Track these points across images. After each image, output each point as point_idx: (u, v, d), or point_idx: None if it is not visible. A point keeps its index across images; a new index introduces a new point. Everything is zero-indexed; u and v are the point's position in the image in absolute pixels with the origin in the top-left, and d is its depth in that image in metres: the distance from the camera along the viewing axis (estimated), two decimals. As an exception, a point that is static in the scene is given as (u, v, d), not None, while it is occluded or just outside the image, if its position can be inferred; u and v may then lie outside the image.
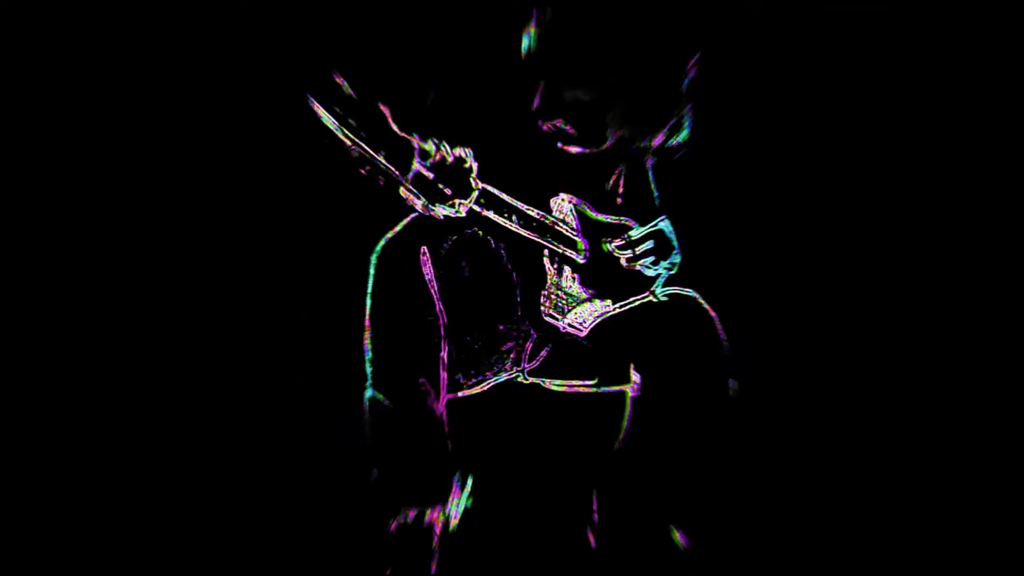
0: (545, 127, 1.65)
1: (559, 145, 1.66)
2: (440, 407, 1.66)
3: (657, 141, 1.67)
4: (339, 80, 1.58)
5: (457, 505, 1.65)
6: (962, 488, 1.67)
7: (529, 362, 1.66)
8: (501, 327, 1.66)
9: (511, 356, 1.67)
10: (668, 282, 1.67)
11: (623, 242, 1.65)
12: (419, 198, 1.60)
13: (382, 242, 1.65)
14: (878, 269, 1.71)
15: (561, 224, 1.65)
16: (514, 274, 1.66)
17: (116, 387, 1.67)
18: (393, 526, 1.65)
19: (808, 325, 1.70)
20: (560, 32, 1.65)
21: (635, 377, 1.65)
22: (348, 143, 1.55)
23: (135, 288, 1.67)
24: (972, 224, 1.71)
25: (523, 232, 1.63)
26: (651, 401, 1.65)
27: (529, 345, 1.66)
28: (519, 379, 1.66)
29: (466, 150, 1.57)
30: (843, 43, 1.68)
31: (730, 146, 1.70)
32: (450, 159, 1.56)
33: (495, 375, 1.67)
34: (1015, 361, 1.69)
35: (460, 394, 1.67)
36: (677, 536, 1.63)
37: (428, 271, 1.65)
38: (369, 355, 1.64)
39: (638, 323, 1.66)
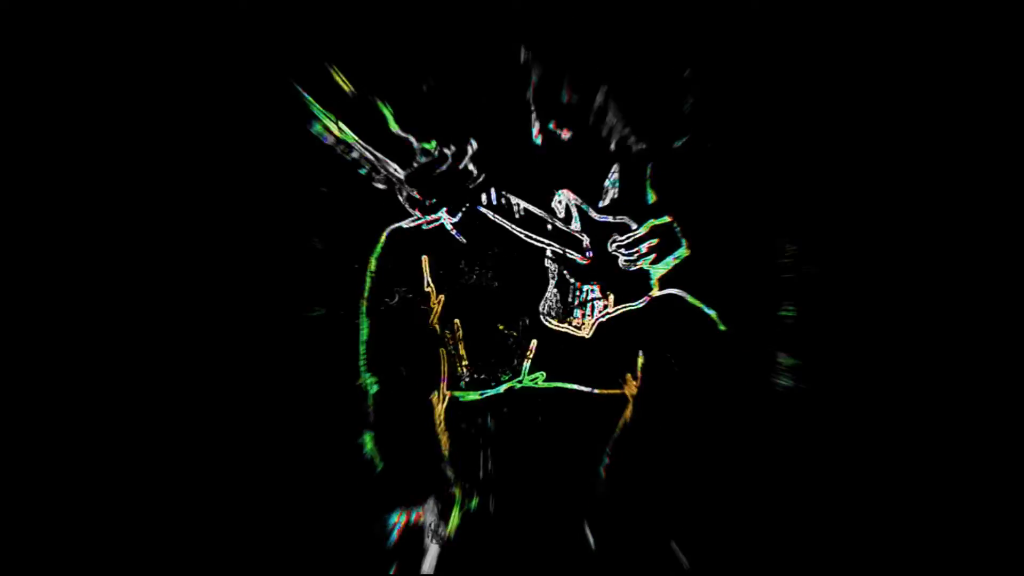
0: (545, 127, 1.65)
1: (559, 145, 1.66)
2: (440, 407, 1.66)
3: (655, 142, 1.67)
4: (338, 79, 1.59)
5: (457, 507, 1.65)
6: (962, 488, 1.66)
7: (529, 362, 1.66)
8: (502, 327, 1.66)
9: (512, 356, 1.66)
10: (667, 281, 1.67)
11: (623, 242, 1.65)
12: (418, 200, 1.60)
13: (381, 242, 1.66)
14: (878, 269, 1.71)
15: (563, 224, 1.65)
16: (515, 275, 1.66)
17: (112, 387, 1.67)
18: (394, 527, 1.65)
19: (808, 325, 1.70)
20: (559, 33, 1.65)
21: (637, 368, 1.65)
22: (347, 143, 1.56)
23: (132, 286, 1.68)
24: (972, 224, 1.70)
25: (524, 232, 1.63)
26: (651, 402, 1.65)
27: (530, 345, 1.66)
28: (519, 380, 1.66)
29: (468, 150, 1.58)
30: (842, 42, 1.68)
31: (729, 146, 1.69)
32: (450, 160, 1.57)
33: (496, 375, 1.67)
34: (1015, 361, 1.69)
35: (460, 394, 1.67)
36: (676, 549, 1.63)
37: (428, 269, 1.65)
38: (368, 355, 1.65)
39: (638, 323, 1.66)
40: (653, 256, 1.65)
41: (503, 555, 1.63)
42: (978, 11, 1.66)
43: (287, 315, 1.67)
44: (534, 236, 1.64)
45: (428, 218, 1.65)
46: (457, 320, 1.66)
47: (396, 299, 1.66)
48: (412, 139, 1.62)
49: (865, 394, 1.69)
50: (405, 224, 1.67)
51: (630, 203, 1.67)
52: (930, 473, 1.67)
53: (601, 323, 1.66)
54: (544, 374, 1.66)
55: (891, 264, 1.70)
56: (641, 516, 1.65)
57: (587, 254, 1.65)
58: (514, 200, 1.64)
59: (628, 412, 1.65)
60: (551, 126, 1.65)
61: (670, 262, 1.66)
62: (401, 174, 1.62)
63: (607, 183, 1.67)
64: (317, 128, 1.56)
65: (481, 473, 1.66)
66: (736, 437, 1.65)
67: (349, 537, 1.65)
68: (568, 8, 1.66)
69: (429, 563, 1.64)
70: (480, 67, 1.66)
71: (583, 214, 1.66)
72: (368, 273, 1.66)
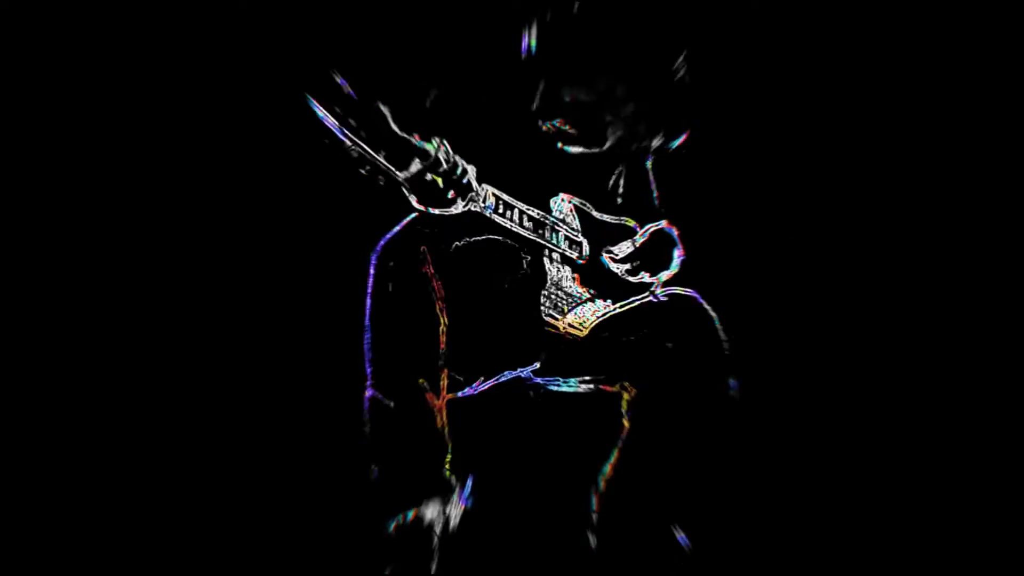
0: (545, 127, 1.65)
1: (559, 145, 1.66)
2: (440, 407, 1.66)
3: (657, 141, 1.67)
4: (339, 79, 1.59)
5: (456, 507, 1.65)
6: (962, 489, 1.67)
7: (529, 362, 1.66)
8: (502, 327, 1.66)
9: (512, 356, 1.67)
10: (668, 282, 1.67)
11: (621, 253, 1.65)
12: (418, 199, 1.60)
13: (382, 241, 1.66)
14: (878, 269, 1.71)
15: (562, 224, 1.65)
16: (515, 274, 1.66)
17: (112, 388, 1.67)
18: (392, 527, 1.65)
19: (808, 325, 1.70)
20: (560, 31, 1.65)
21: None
22: (348, 143, 1.56)
23: (134, 289, 1.68)
24: (972, 224, 1.71)
25: (524, 232, 1.63)
26: (651, 402, 1.65)
27: (530, 345, 1.67)
28: (519, 379, 1.66)
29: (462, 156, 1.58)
30: (842, 41, 1.68)
31: (730, 146, 1.70)
32: (451, 159, 1.57)
33: (496, 375, 1.67)
34: (1015, 361, 1.69)
35: (460, 394, 1.67)
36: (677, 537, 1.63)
37: (429, 271, 1.65)
38: (369, 355, 1.64)
39: (638, 323, 1.66)
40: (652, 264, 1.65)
41: (503, 555, 1.63)
42: (978, 11, 1.66)
43: (287, 315, 1.68)
44: (534, 236, 1.64)
45: (428, 215, 1.65)
46: (456, 320, 1.66)
47: (396, 299, 1.66)
48: (412, 139, 1.62)
49: (864, 395, 1.69)
50: (405, 224, 1.67)
51: (631, 204, 1.67)
52: (928, 474, 1.68)
53: (601, 323, 1.66)
54: (543, 374, 1.67)
55: (891, 263, 1.71)
56: (641, 516, 1.65)
57: (587, 255, 1.65)
58: (514, 201, 1.63)
59: (628, 412, 1.65)
60: (551, 126, 1.66)
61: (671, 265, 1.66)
62: (401, 174, 1.62)
63: (608, 184, 1.67)
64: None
65: (481, 473, 1.66)
66: (735, 437, 1.65)
67: (349, 537, 1.66)
68: (568, 8, 1.66)
69: (429, 563, 1.64)
70: (480, 68, 1.66)
71: (583, 215, 1.66)
72: (368, 273, 1.66)
